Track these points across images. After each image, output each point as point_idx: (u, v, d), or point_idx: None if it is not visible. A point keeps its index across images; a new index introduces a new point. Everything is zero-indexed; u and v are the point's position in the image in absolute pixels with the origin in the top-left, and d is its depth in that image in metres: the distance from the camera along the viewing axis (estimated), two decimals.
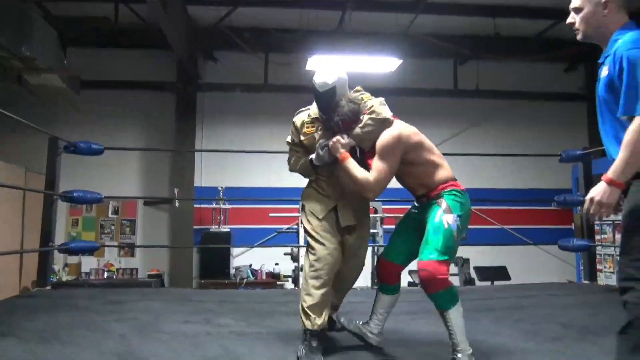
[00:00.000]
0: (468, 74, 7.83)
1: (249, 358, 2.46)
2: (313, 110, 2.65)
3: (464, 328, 2.34)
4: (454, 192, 2.45)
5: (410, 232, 2.54)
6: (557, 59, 7.76)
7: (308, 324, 2.48)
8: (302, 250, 6.33)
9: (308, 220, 2.63)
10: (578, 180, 5.60)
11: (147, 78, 7.52)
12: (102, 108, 7.42)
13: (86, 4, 6.52)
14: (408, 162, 2.48)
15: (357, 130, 2.49)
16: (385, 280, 2.60)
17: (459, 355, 2.31)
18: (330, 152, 2.52)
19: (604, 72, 1.90)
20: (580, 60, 7.87)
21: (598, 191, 1.79)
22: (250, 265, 7.41)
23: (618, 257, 1.96)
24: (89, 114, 7.28)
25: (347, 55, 6.32)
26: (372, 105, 2.52)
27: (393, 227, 2.90)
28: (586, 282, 4.76)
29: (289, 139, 2.76)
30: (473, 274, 6.58)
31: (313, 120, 2.64)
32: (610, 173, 1.78)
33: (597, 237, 6.34)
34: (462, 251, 5.86)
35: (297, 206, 6.67)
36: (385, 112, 2.51)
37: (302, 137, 2.66)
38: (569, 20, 2.02)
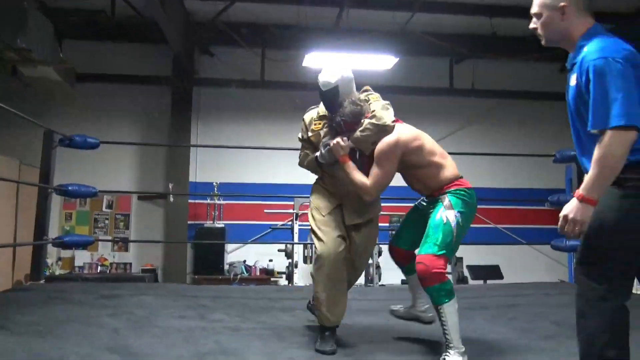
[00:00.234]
0: (464, 73, 7.84)
1: (243, 353, 2.47)
2: (321, 108, 2.68)
3: (457, 325, 2.35)
4: (459, 191, 2.50)
5: (416, 222, 2.63)
6: (553, 59, 7.77)
7: (319, 319, 2.58)
8: (297, 247, 6.37)
9: (312, 216, 2.68)
10: (572, 180, 5.64)
11: (143, 72, 7.48)
12: (97, 102, 7.39)
13: None
14: (410, 166, 2.55)
15: (357, 134, 2.51)
16: (400, 262, 2.73)
17: (451, 352, 2.32)
18: (330, 152, 2.55)
19: (572, 80, 1.83)
20: None
21: (571, 208, 1.73)
22: (244, 261, 7.41)
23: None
24: (83, 108, 7.24)
25: (344, 53, 6.32)
26: (375, 110, 2.52)
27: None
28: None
29: (299, 134, 2.79)
30: (466, 273, 6.61)
31: (321, 118, 2.67)
32: (582, 189, 1.71)
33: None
34: None
35: (291, 202, 6.69)
36: (387, 117, 2.52)
37: (310, 134, 2.69)
38: (531, 25, 1.95)
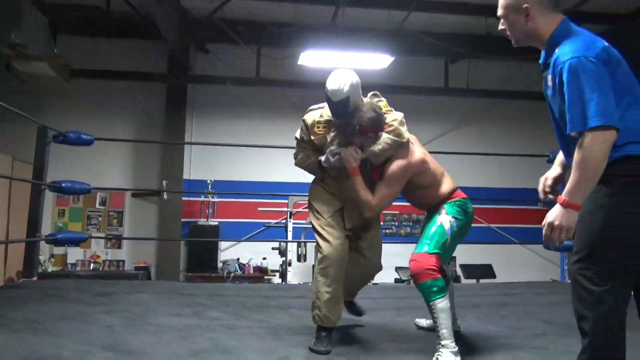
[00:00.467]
0: (459, 73, 7.88)
1: (239, 351, 2.47)
2: (326, 111, 2.58)
3: (450, 321, 2.37)
4: (455, 202, 2.58)
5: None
6: None
7: (319, 320, 2.56)
8: (291, 245, 6.38)
9: (315, 217, 2.65)
10: (565, 180, 5.67)
11: (139, 69, 7.45)
12: (92, 98, 7.34)
13: None
14: (413, 186, 2.60)
15: (375, 148, 2.49)
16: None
17: (444, 351, 2.34)
18: (340, 160, 2.51)
19: (549, 81, 1.81)
20: None
21: (555, 215, 1.70)
22: (238, 259, 7.41)
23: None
24: (78, 104, 7.21)
25: (340, 52, 6.33)
26: (394, 126, 2.49)
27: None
28: (569, 281, 4.84)
29: (297, 134, 2.72)
30: (459, 272, 6.66)
31: (326, 122, 2.59)
32: (565, 194, 1.69)
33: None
34: None
35: (285, 201, 6.70)
36: (405, 133, 2.52)
37: (312, 137, 2.61)
38: (500, 27, 1.92)
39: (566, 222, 1.68)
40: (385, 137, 2.48)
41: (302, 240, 6.56)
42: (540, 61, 1.88)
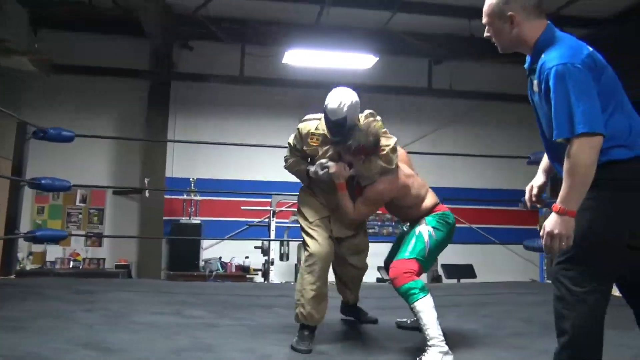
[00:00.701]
0: (443, 74, 7.94)
1: (219, 350, 2.46)
2: (322, 124, 2.61)
3: (435, 321, 2.36)
4: (436, 215, 2.66)
5: (399, 244, 2.75)
6: None
7: (302, 318, 2.58)
8: (273, 244, 6.37)
9: (303, 219, 2.71)
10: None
11: (121, 65, 7.36)
12: (73, 94, 7.25)
13: None
14: (396, 205, 2.71)
15: (363, 170, 2.56)
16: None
17: (431, 350, 2.33)
18: (328, 175, 2.58)
19: (535, 87, 1.82)
20: None
21: (553, 224, 1.70)
22: (220, 258, 7.37)
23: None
24: (58, 100, 7.11)
25: (325, 51, 6.34)
26: (386, 151, 2.54)
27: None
28: (548, 281, 4.92)
29: (291, 140, 2.73)
30: (440, 272, 6.71)
31: (321, 135, 2.61)
32: (560, 202, 1.69)
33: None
34: None
35: (269, 200, 6.70)
36: (395, 160, 2.58)
37: (305, 147, 2.65)
38: (486, 34, 1.92)
39: (565, 229, 1.68)
40: (375, 162, 2.54)
41: (285, 239, 6.55)
42: (526, 65, 1.90)
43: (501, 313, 3.39)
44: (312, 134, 2.62)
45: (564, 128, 1.68)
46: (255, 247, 6.68)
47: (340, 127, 2.49)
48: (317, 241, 2.60)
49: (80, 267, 7.23)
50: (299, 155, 2.73)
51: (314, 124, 2.64)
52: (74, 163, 6.77)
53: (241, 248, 7.21)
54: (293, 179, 2.88)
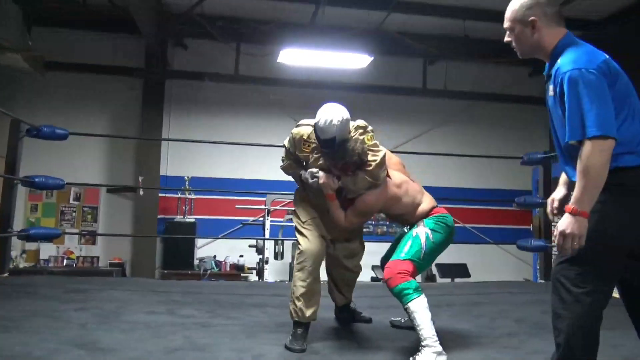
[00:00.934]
0: (437, 74, 7.95)
1: (213, 349, 2.46)
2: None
3: (429, 321, 2.37)
4: (433, 217, 2.68)
5: (397, 244, 2.76)
6: (523, 63, 7.95)
7: (295, 314, 2.60)
8: (268, 243, 6.37)
9: (297, 218, 2.76)
10: (538, 182, 5.79)
11: (115, 63, 7.33)
12: (67, 91, 7.22)
13: None
14: (390, 212, 2.75)
15: (350, 184, 2.59)
16: None
17: (425, 350, 2.34)
18: (318, 184, 2.60)
19: (551, 91, 1.85)
20: (544, 65, 8.09)
21: (566, 224, 1.72)
22: (215, 257, 7.37)
23: None
24: (52, 97, 7.07)
25: (319, 50, 6.34)
26: (372, 167, 2.55)
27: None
28: (542, 281, 4.95)
29: (286, 143, 2.75)
30: (434, 271, 6.73)
31: (313, 143, 2.62)
32: (573, 203, 1.72)
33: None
34: None
35: (263, 198, 6.70)
36: (382, 174, 2.60)
37: (297, 152, 2.68)
38: (506, 39, 1.96)
39: (577, 230, 1.71)
40: (361, 177, 2.56)
41: (280, 238, 6.55)
42: (544, 72, 1.94)
43: (495, 313, 3.40)
44: (305, 140, 2.64)
45: (577, 130, 1.71)
46: (250, 246, 6.68)
47: (330, 145, 2.50)
48: (308, 239, 2.64)
49: (74, 265, 7.21)
50: (293, 159, 2.75)
51: (307, 130, 2.64)
52: (68, 161, 6.75)
53: (236, 247, 7.22)
54: (287, 178, 2.90)
